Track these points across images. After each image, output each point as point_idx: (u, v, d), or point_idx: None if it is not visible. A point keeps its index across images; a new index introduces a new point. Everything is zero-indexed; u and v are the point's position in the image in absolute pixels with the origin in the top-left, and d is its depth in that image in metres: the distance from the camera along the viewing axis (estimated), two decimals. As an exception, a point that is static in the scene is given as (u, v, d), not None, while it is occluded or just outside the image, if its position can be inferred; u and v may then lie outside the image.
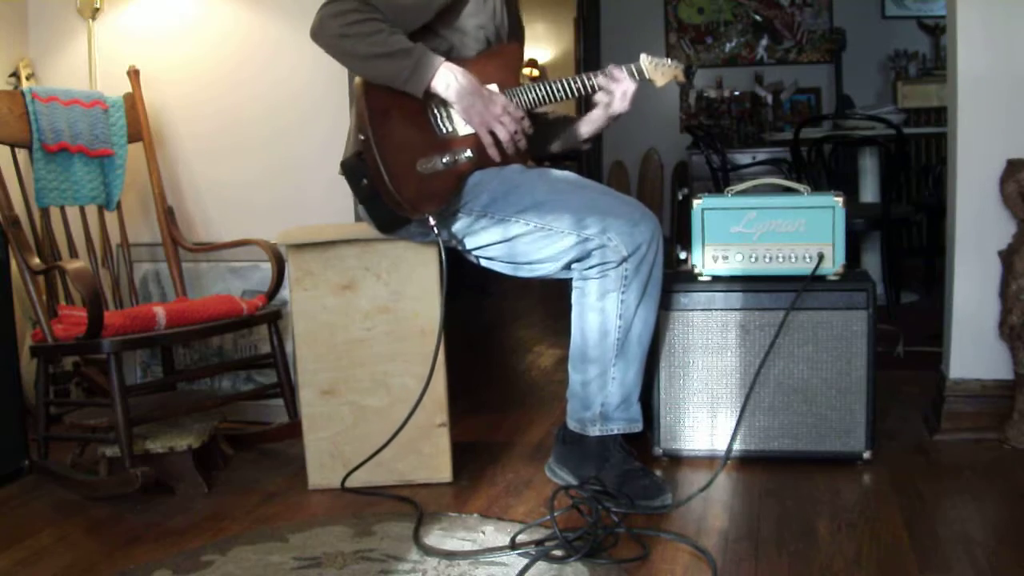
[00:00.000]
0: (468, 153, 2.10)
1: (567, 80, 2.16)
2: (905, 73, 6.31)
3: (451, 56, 2.11)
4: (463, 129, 2.11)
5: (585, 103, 2.32)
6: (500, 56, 2.20)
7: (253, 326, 2.62)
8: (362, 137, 2.01)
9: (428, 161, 2.05)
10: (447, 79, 2.04)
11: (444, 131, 2.10)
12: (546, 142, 2.37)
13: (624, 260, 2.08)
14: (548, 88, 2.16)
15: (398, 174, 2.01)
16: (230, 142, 2.95)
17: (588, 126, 2.30)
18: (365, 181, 2.04)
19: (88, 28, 2.98)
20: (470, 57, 2.16)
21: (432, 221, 2.05)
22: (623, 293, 2.11)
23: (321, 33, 2.02)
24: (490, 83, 2.13)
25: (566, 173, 2.21)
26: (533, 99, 2.16)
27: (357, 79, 2.07)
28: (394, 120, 2.04)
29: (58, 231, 2.65)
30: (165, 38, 2.95)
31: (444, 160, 2.07)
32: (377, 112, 2.02)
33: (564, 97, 2.17)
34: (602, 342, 2.14)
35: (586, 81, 2.17)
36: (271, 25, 2.88)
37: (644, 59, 2.19)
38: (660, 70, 2.19)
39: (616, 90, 2.17)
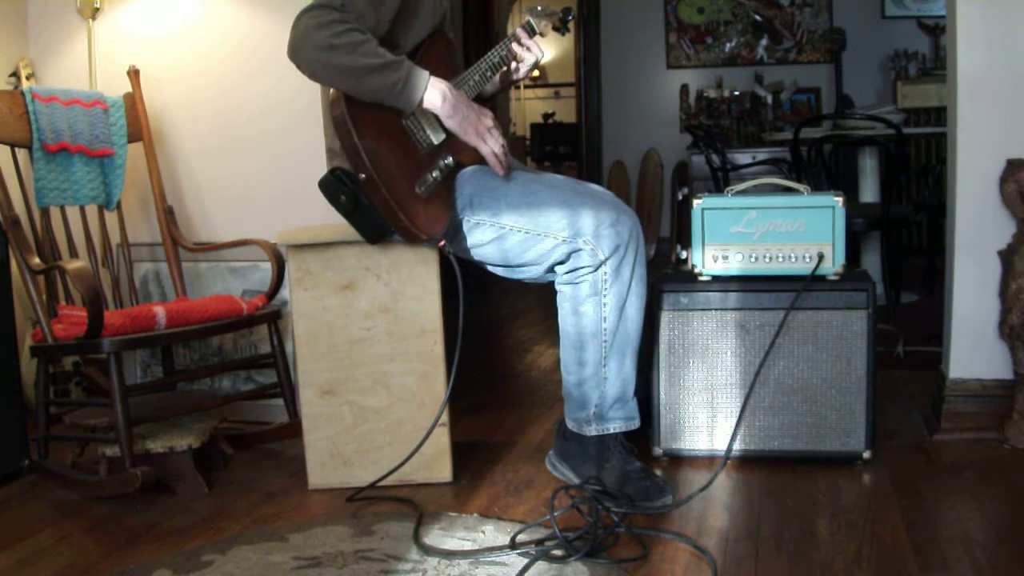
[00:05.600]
0: (449, 160, 2.10)
1: (492, 56, 2.20)
2: (905, 73, 6.31)
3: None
4: (437, 137, 2.10)
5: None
6: (433, 50, 2.20)
7: (253, 326, 2.62)
8: (362, 176, 1.98)
9: (423, 182, 2.05)
10: (441, 93, 2.03)
11: (424, 146, 2.09)
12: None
13: (603, 263, 2.08)
14: (482, 69, 2.20)
15: (408, 205, 2.01)
16: (230, 142, 2.95)
17: (513, 76, 2.36)
18: (343, 198, 2.03)
19: (88, 28, 2.98)
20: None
21: (443, 242, 2.08)
22: (604, 296, 2.10)
23: (304, 47, 1.92)
24: None
25: (542, 174, 2.22)
26: (475, 84, 2.19)
27: (337, 110, 1.97)
28: (385, 151, 2.02)
29: (58, 231, 2.65)
30: (165, 38, 2.96)
31: (433, 175, 2.07)
32: (371, 148, 1.98)
33: (496, 71, 2.23)
34: (591, 344, 2.14)
35: (503, 51, 2.22)
36: (271, 25, 2.88)
37: (528, 12, 2.29)
38: (544, 21, 2.29)
39: (529, 48, 2.24)
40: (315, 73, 1.97)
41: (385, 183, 1.97)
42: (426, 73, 2.02)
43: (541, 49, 2.26)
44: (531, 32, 2.26)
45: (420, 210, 2.03)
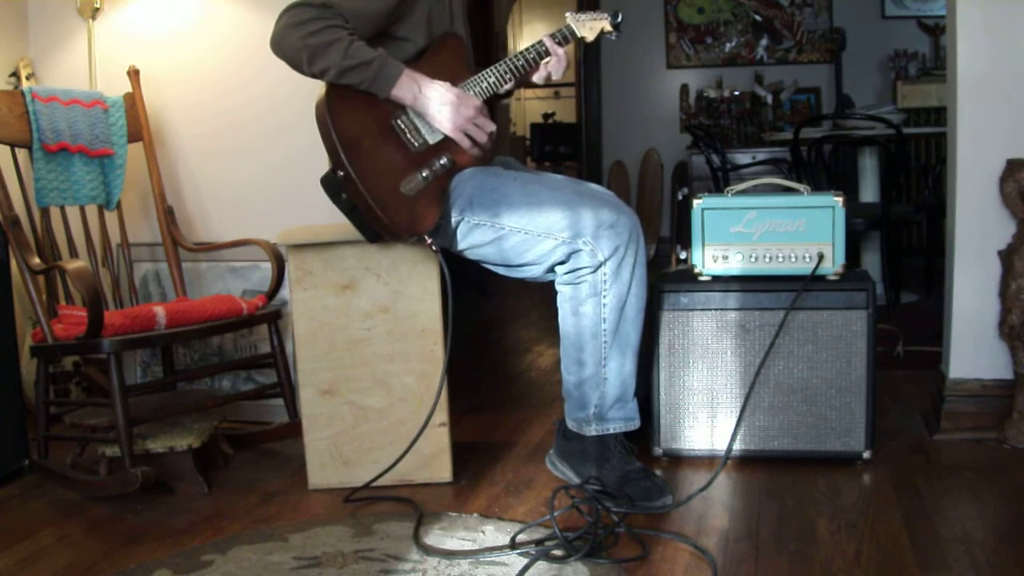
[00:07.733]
0: (444, 160, 2.09)
1: (511, 60, 2.18)
2: (905, 73, 6.31)
3: (403, 56, 2.10)
4: (432, 137, 2.10)
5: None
6: (445, 48, 2.20)
7: (253, 326, 2.62)
8: (341, 174, 1.98)
9: (410, 181, 2.04)
10: (411, 91, 2.05)
11: (415, 145, 2.08)
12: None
13: (602, 264, 2.08)
14: (498, 72, 2.18)
15: (388, 203, 2.00)
16: (230, 142, 2.95)
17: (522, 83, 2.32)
18: (345, 196, 2.03)
19: (88, 28, 2.98)
20: (415, 55, 2.15)
21: (429, 240, 2.06)
22: (604, 296, 2.10)
23: (282, 47, 2.00)
24: (443, 79, 2.11)
25: (543, 174, 2.22)
26: (488, 87, 2.17)
27: (319, 111, 2.01)
28: (367, 148, 2.01)
29: (58, 231, 2.65)
30: (165, 38, 2.96)
31: (424, 175, 2.06)
32: (350, 144, 1.99)
33: (513, 77, 2.20)
34: (590, 344, 2.14)
35: (528, 56, 2.19)
36: (271, 25, 2.87)
37: (569, 18, 2.25)
38: (588, 25, 2.24)
39: (553, 59, 2.20)
40: (297, 68, 2.03)
41: (363, 181, 1.97)
42: (398, 71, 2.03)
43: (568, 59, 2.23)
44: (564, 41, 2.22)
45: (403, 209, 2.02)
